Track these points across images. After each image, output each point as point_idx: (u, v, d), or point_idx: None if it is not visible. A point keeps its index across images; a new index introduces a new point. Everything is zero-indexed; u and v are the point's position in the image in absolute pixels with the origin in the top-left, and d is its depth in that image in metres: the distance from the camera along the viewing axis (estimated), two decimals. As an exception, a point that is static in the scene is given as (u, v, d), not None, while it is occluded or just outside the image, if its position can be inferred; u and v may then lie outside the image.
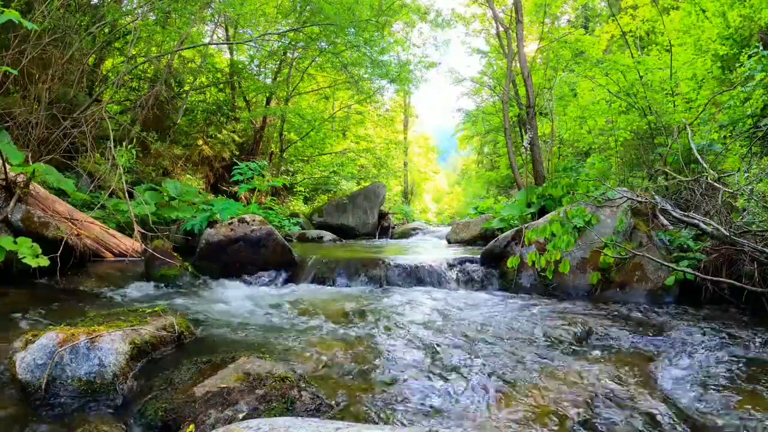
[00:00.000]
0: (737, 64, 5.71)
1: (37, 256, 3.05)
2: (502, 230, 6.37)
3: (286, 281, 4.14)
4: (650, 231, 3.70)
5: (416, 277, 4.02)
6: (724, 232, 3.08)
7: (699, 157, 4.37)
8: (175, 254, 4.03)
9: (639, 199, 3.81)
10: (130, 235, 4.46)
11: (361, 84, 12.08)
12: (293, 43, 10.78)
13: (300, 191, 14.00)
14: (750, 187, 3.37)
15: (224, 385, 1.57)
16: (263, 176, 6.59)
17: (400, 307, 3.06)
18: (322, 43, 10.54)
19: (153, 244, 4.03)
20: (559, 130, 10.13)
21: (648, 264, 3.41)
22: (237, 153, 10.95)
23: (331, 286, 3.99)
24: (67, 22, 5.56)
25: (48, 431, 1.48)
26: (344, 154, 15.18)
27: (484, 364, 1.95)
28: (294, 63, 11.93)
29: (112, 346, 1.75)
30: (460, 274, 4.03)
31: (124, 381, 1.70)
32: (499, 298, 3.48)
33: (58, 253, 3.33)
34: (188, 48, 8.80)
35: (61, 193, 4.40)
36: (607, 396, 1.65)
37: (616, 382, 1.76)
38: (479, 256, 4.24)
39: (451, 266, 4.12)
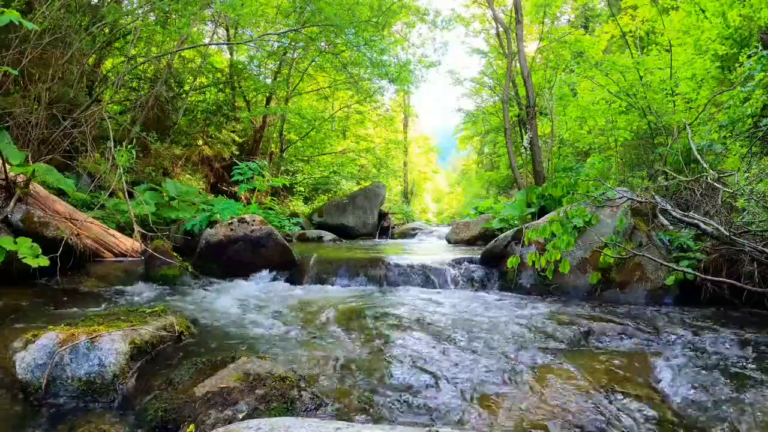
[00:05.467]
0: (737, 64, 5.72)
1: (37, 256, 3.05)
2: (502, 230, 6.38)
3: (286, 281, 4.14)
4: (650, 231, 3.70)
5: (416, 277, 4.02)
6: (724, 232, 3.08)
7: (699, 157, 4.37)
8: (175, 254, 4.03)
9: (639, 199, 3.81)
10: (130, 235, 4.46)
11: (360, 84, 12.08)
12: (293, 43, 10.78)
13: (300, 191, 14.00)
14: (750, 187, 3.37)
15: (224, 385, 1.57)
16: (263, 176, 6.58)
17: (399, 307, 3.06)
18: (322, 44, 10.55)
19: (153, 244, 4.03)
20: (559, 130, 10.13)
21: (648, 264, 3.41)
22: (237, 153, 10.95)
23: (331, 286, 3.99)
24: (67, 23, 5.55)
25: (48, 431, 1.48)
26: (344, 154, 15.18)
27: (484, 364, 1.95)
28: (294, 63, 11.94)
29: (112, 346, 1.75)
30: (460, 274, 4.03)
31: (124, 381, 1.70)
32: (499, 298, 3.48)
33: (58, 253, 3.33)
34: (188, 48, 8.79)
35: (61, 193, 4.40)
36: (607, 396, 1.65)
37: (615, 382, 1.76)
38: (479, 256, 4.24)
39: (451, 266, 4.12)
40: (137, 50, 8.12)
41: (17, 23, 2.85)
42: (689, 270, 3.05)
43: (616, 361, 2.00)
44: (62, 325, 1.91)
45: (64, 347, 1.70)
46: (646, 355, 2.09)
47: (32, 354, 1.69)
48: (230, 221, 4.31)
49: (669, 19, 8.15)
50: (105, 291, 3.43)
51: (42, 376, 1.64)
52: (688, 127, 4.81)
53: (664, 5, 8.96)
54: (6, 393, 1.67)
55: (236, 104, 11.60)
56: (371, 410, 1.56)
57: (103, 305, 2.99)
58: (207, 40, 9.98)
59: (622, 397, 1.64)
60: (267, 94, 12.07)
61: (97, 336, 1.77)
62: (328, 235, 8.45)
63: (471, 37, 22.80)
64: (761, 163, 3.85)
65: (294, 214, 9.69)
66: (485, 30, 17.41)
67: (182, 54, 9.39)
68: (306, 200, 14.16)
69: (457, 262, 4.18)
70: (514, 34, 10.42)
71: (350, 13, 8.68)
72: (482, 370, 1.89)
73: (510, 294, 3.64)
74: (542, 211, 6.43)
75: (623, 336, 2.40)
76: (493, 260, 4.07)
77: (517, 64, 11.10)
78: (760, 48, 4.92)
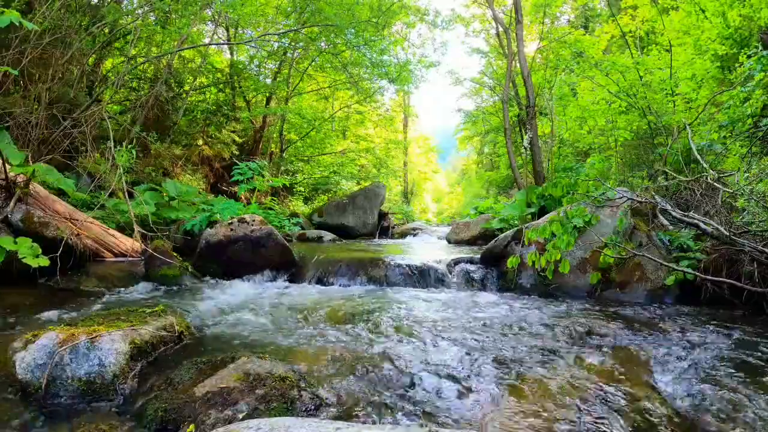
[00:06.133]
0: (737, 64, 5.72)
1: (37, 256, 3.05)
2: (502, 230, 6.38)
3: (286, 281, 4.14)
4: (650, 231, 3.70)
5: (416, 277, 4.02)
6: (724, 232, 3.08)
7: (699, 157, 4.37)
8: (175, 254, 4.03)
9: (639, 199, 3.81)
10: (130, 235, 4.46)
11: (360, 84, 12.08)
12: (293, 43, 10.78)
13: (300, 191, 14.00)
14: (750, 187, 3.37)
15: (224, 385, 1.57)
16: (263, 176, 6.58)
17: (399, 307, 3.06)
18: (322, 44, 10.55)
19: (153, 244, 4.03)
20: (559, 130, 10.14)
21: (648, 264, 3.41)
22: (237, 153, 10.95)
23: (331, 286, 3.99)
24: (67, 23, 5.55)
25: (48, 431, 1.48)
26: (344, 154, 15.18)
27: (484, 365, 1.95)
28: (294, 63, 11.94)
29: (112, 346, 1.75)
30: (460, 275, 4.02)
31: (124, 381, 1.70)
32: (499, 298, 3.48)
33: (58, 253, 3.33)
34: (188, 48, 8.79)
35: (61, 193, 4.40)
36: (607, 395, 1.65)
37: (615, 382, 1.76)
38: (479, 256, 4.24)
39: (451, 266, 4.12)
40: (137, 50, 8.11)
41: (17, 23, 2.85)
42: (689, 270, 3.06)
43: (616, 361, 2.00)
44: (62, 325, 1.91)
45: (64, 347, 1.70)
46: (647, 355, 2.09)
47: (32, 354, 1.69)
48: (230, 221, 4.31)
49: (669, 19, 8.15)
50: (105, 291, 3.43)
51: (42, 376, 1.64)
52: (688, 127, 4.81)
53: (664, 5, 8.96)
54: (6, 393, 1.67)
55: (236, 104, 11.60)
56: (371, 410, 1.56)
57: (103, 305, 2.99)
58: (207, 40, 9.98)
59: (621, 396, 1.64)
60: (267, 94, 12.06)
61: (97, 336, 1.77)
62: (328, 235, 8.45)
63: (471, 37, 22.83)
64: (761, 163, 3.85)
65: (294, 214, 9.68)
66: (485, 30, 17.41)
67: (182, 54, 9.38)
68: (306, 200, 14.15)
69: (457, 262, 4.18)
70: (514, 34, 10.42)
71: (350, 13, 8.68)
72: (482, 370, 1.89)
73: (510, 294, 3.64)
74: (542, 211, 6.43)
75: (623, 336, 2.40)
76: (493, 260, 4.07)
77: (517, 64, 11.10)
78: (760, 48, 4.92)
